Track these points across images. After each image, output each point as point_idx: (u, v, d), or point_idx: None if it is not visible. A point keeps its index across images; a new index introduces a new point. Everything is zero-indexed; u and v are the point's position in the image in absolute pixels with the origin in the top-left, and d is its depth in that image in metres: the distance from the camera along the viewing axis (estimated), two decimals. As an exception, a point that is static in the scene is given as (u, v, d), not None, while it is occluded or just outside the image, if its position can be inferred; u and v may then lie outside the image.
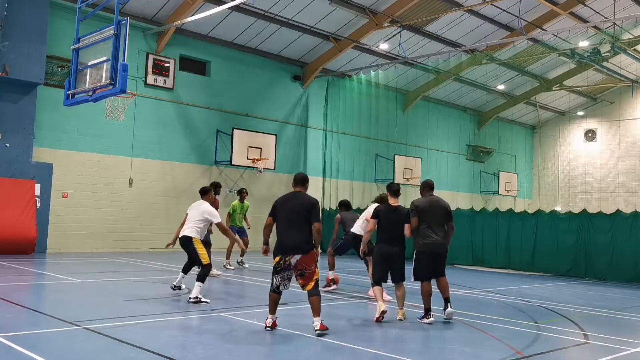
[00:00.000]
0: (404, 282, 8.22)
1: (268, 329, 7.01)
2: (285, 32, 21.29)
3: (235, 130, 20.63)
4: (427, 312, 8.05)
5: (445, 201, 8.53)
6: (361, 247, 9.10)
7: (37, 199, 15.96)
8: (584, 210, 16.93)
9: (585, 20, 23.18)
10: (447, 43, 23.92)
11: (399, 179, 26.72)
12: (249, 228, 14.52)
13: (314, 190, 23.60)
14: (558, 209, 26.15)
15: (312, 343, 6.67)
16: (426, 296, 8.10)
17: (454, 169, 30.71)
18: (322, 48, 22.81)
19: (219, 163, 20.85)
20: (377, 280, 8.22)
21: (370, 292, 9.91)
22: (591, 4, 22.64)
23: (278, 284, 7.05)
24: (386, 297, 9.13)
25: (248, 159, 20.83)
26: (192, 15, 17.94)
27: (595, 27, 22.32)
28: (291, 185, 7.52)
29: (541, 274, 16.74)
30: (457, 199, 28.43)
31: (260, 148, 21.14)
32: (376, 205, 9.16)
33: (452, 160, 30.85)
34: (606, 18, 21.62)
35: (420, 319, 8.10)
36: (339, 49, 22.46)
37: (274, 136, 21.90)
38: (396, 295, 8.28)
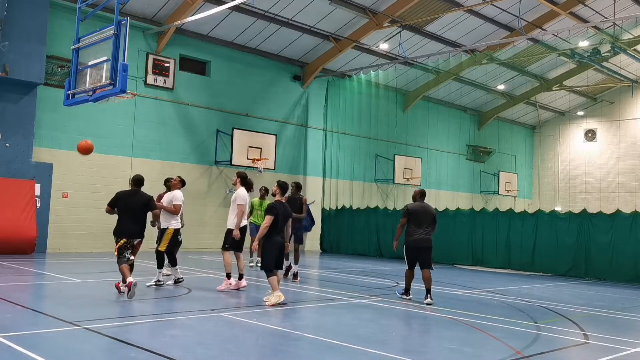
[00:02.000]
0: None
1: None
2: (285, 32, 21.29)
3: (235, 130, 20.64)
4: (407, 290, 10.14)
5: (433, 207, 10.41)
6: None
7: (37, 199, 15.96)
8: (584, 210, 16.92)
9: (585, 20, 23.18)
10: (447, 43, 23.92)
11: (399, 179, 26.78)
12: None
13: (314, 190, 23.62)
14: (558, 209, 26.15)
15: (312, 343, 6.68)
16: (409, 279, 10.18)
17: (454, 169, 30.71)
18: (322, 48, 22.81)
19: (219, 163, 20.85)
20: (272, 269, 8.93)
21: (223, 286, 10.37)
22: (591, 4, 22.64)
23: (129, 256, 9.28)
24: (243, 283, 10.39)
25: (248, 159, 20.84)
26: (192, 15, 17.94)
27: (595, 27, 22.33)
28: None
29: (541, 274, 16.74)
30: (457, 199, 28.45)
31: (260, 148, 21.15)
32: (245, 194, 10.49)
33: (452, 160, 30.86)
34: (606, 18, 21.63)
35: (401, 294, 10.19)
36: (339, 49, 22.47)
37: (274, 136, 21.90)
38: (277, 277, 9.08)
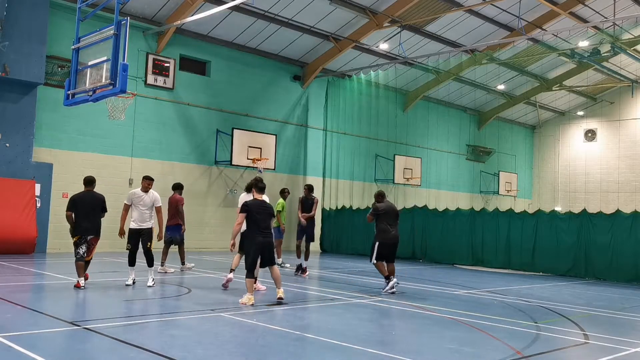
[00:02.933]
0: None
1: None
2: (285, 32, 21.29)
3: (235, 130, 20.64)
4: (387, 278, 10.89)
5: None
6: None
7: (37, 199, 15.96)
8: (584, 210, 16.92)
9: (585, 20, 23.18)
10: (447, 43, 23.92)
11: (399, 179, 26.77)
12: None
13: (314, 190, 23.57)
14: (558, 209, 26.16)
15: (312, 343, 6.68)
16: (382, 269, 11.00)
17: (454, 169, 30.71)
18: (322, 48, 22.81)
19: (219, 163, 20.85)
20: (251, 269, 8.98)
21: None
22: (591, 4, 22.64)
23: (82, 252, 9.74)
24: (260, 287, 10.46)
25: (248, 159, 20.83)
26: (192, 15, 17.95)
27: (595, 27, 22.32)
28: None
29: (541, 274, 16.74)
30: (457, 199, 28.45)
31: (260, 148, 21.14)
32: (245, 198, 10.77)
33: (452, 160, 30.86)
34: (606, 18, 21.62)
35: (384, 289, 10.83)
36: (339, 49, 22.46)
37: (274, 136, 21.90)
38: (273, 276, 9.21)
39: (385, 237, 11.09)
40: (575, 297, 12.07)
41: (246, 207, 8.97)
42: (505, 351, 6.56)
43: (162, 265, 12.63)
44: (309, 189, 14.23)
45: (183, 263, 13.41)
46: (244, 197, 11.20)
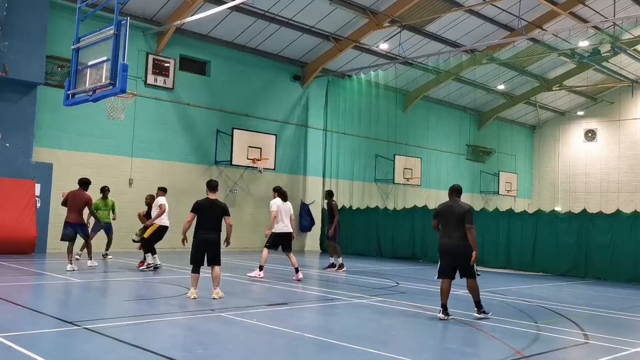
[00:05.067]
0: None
1: None
2: (285, 32, 21.29)
3: (235, 130, 20.64)
4: (443, 306, 8.38)
5: (461, 205, 8.98)
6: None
7: (37, 199, 15.95)
8: (584, 210, 16.92)
9: (585, 20, 23.18)
10: (447, 43, 23.92)
11: (399, 179, 26.77)
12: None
13: (314, 190, 23.63)
14: (558, 209, 26.15)
15: (312, 343, 6.68)
16: (441, 291, 8.46)
17: (454, 169, 30.69)
18: (322, 48, 22.81)
19: (219, 163, 20.85)
20: (193, 264, 9.26)
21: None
22: (591, 4, 22.63)
23: None
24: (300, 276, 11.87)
25: (248, 159, 20.83)
26: (192, 15, 17.94)
27: (595, 27, 22.32)
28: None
29: (541, 274, 16.73)
30: (457, 199, 28.40)
31: (260, 148, 21.14)
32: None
33: (452, 160, 30.85)
34: (606, 18, 21.62)
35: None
36: (339, 49, 22.46)
37: (274, 136, 21.90)
38: (212, 276, 9.40)
39: (441, 244, 8.74)
40: (575, 297, 12.07)
41: (195, 206, 9.33)
42: (505, 351, 6.56)
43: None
44: (329, 193, 15.82)
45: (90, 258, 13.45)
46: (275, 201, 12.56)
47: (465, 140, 31.74)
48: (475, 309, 8.54)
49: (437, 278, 8.59)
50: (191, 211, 9.31)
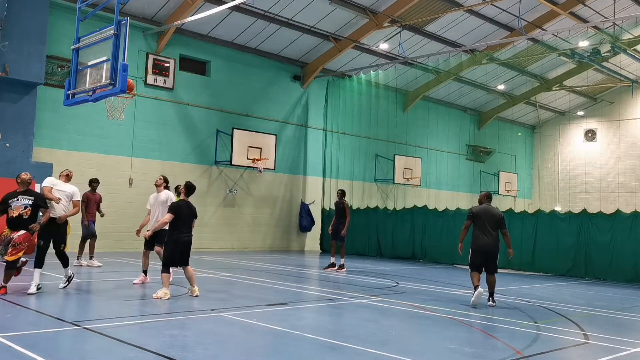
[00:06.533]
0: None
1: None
2: (285, 32, 21.29)
3: (235, 130, 20.64)
4: (475, 288, 9.87)
5: (496, 210, 10.38)
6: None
7: (37, 199, 15.92)
8: (584, 210, 16.92)
9: (585, 20, 23.18)
10: (447, 43, 23.92)
11: (398, 179, 26.77)
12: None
13: (314, 190, 23.62)
14: (558, 209, 26.15)
15: (312, 343, 6.68)
16: (473, 279, 10.06)
17: (454, 169, 30.70)
18: (322, 48, 22.81)
19: (219, 163, 20.85)
20: (169, 265, 9.37)
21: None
22: (591, 4, 22.64)
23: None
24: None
25: (248, 159, 20.83)
26: (192, 15, 17.94)
27: (595, 27, 22.32)
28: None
29: (541, 274, 16.74)
30: (457, 199, 28.43)
31: (260, 148, 21.15)
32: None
33: (452, 160, 30.85)
34: (606, 18, 21.62)
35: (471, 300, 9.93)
36: (339, 49, 22.46)
37: (274, 136, 21.90)
38: (186, 275, 9.58)
39: (476, 243, 10.11)
40: (575, 297, 12.07)
41: (176, 209, 9.38)
42: (505, 351, 6.56)
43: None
44: (342, 193, 15.96)
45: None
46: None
47: (465, 140, 31.75)
48: (490, 298, 9.86)
49: (472, 271, 10.08)
50: (170, 212, 9.41)
